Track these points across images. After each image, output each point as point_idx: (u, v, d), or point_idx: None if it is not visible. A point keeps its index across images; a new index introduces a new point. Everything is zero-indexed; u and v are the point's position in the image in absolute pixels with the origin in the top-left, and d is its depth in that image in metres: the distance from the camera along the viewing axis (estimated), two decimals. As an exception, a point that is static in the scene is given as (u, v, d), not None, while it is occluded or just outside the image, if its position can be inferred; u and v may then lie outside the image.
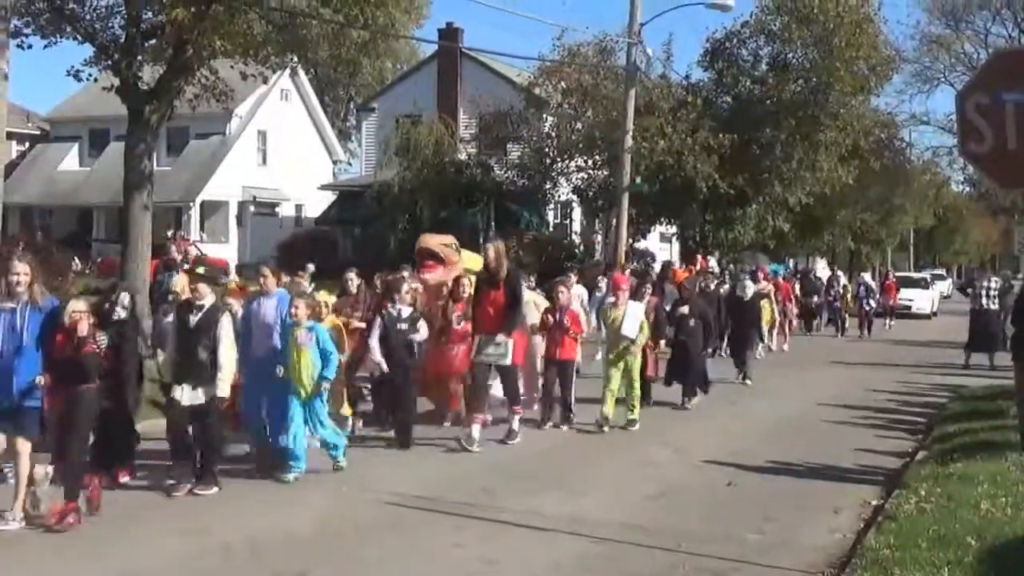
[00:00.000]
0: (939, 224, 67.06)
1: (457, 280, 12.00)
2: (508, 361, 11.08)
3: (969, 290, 21.31)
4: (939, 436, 11.61)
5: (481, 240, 32.73)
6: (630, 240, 28.01)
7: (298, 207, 43.32)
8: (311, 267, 15.38)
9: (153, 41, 19.93)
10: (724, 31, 31.53)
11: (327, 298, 11.34)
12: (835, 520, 8.33)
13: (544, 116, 32.76)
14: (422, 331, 11.37)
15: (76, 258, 28.13)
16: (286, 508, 8.41)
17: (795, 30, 29.99)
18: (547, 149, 32.49)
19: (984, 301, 20.29)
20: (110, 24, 20.23)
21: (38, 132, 44.83)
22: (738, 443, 11.61)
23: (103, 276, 24.63)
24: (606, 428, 12.08)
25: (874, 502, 8.82)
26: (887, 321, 30.99)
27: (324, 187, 41.05)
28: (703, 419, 13.36)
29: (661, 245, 39.53)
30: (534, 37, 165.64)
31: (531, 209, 33.17)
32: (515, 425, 11.28)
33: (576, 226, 37.22)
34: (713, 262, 25.71)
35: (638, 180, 26.44)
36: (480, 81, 35.51)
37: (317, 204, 40.74)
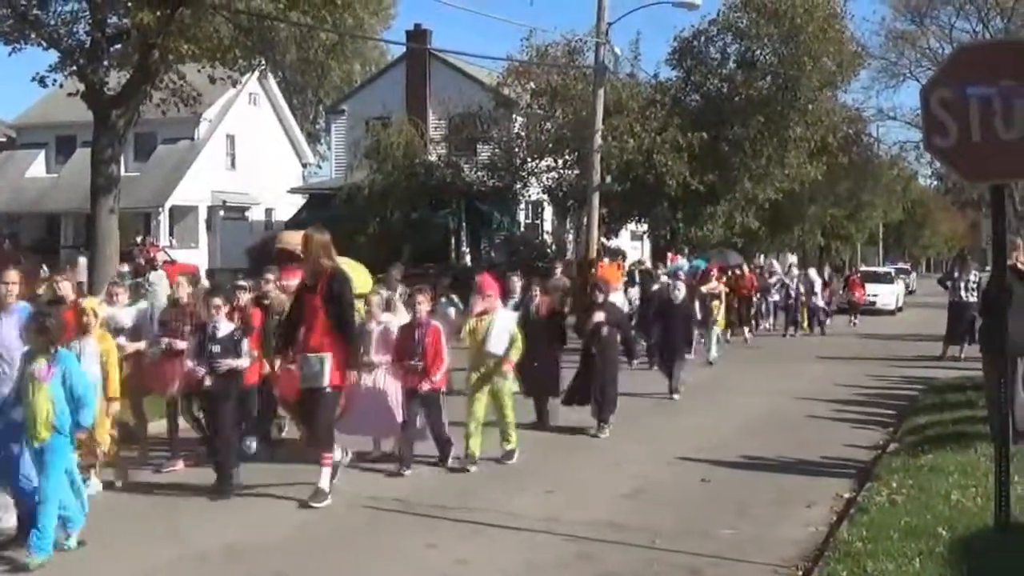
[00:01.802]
0: (907, 218, 67.71)
1: None
2: (324, 383, 8.49)
3: (948, 283, 21.28)
4: (910, 428, 11.72)
5: (453, 241, 32.94)
6: (601, 239, 28.05)
7: (268, 211, 43.10)
8: (83, 260, 11.45)
9: (119, 46, 19.77)
10: (692, 29, 31.65)
11: (93, 305, 8.97)
12: (808, 514, 8.38)
13: (514, 116, 32.76)
14: (242, 358, 9.15)
15: (44, 265, 27.78)
16: (261, 514, 8.35)
17: (763, 27, 30.12)
18: (517, 149, 32.52)
19: (963, 294, 20.31)
20: (75, 29, 20.00)
21: (4, 139, 44.28)
22: (711, 439, 11.65)
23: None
24: (472, 467, 9.88)
25: (846, 495, 8.88)
26: (852, 318, 31.10)
27: (294, 190, 40.82)
28: (676, 415, 13.40)
29: (632, 243, 39.61)
30: (503, 38, 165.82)
31: (502, 209, 33.17)
32: (323, 483, 8.51)
33: (547, 226, 37.24)
34: (683, 260, 25.69)
35: (608, 180, 26.46)
36: (449, 82, 35.42)
37: (287, 208, 40.48)
